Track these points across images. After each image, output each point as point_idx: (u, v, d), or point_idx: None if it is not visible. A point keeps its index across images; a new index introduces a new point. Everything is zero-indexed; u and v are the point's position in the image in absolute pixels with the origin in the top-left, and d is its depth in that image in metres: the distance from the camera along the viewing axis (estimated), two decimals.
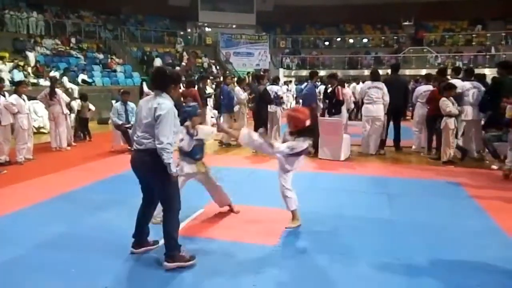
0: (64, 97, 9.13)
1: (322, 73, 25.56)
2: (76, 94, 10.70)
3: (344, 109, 8.52)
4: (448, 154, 7.29)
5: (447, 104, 7.07)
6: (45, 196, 5.41)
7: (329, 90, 8.35)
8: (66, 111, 9.01)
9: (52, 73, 14.17)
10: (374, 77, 8.24)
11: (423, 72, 19.36)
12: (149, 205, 3.68)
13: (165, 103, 3.28)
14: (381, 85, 7.99)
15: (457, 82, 7.73)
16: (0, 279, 3.30)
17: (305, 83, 9.29)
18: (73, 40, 20.12)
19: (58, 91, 8.93)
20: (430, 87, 8.35)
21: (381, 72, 9.02)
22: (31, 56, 15.80)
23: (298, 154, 4.17)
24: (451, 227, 4.40)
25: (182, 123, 4.11)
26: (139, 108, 3.47)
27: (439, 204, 5.19)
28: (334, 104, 8.26)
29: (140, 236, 3.70)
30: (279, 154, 4.22)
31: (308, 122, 4.21)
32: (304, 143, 4.11)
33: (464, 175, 6.56)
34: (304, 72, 24.94)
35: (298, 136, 4.12)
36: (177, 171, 3.46)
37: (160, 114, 3.22)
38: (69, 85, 10.63)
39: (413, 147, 8.60)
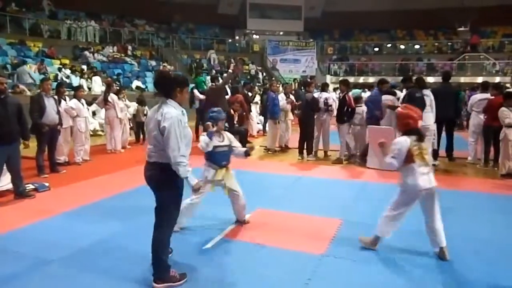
0: (120, 102, 9.54)
1: (371, 79, 25.15)
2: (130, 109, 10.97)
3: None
4: (507, 166, 6.89)
5: (506, 115, 6.70)
6: (100, 196, 5.70)
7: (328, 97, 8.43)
8: (120, 115, 9.42)
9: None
10: (421, 84, 7.95)
11: (479, 79, 18.47)
12: None
13: (169, 112, 3.03)
14: (428, 92, 7.68)
15: None
16: (58, 275, 3.50)
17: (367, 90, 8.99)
18: (128, 47, 21.09)
19: (113, 96, 9.35)
20: (486, 95, 7.96)
21: (433, 79, 8.68)
22: (98, 80, 15.67)
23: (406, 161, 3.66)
24: (509, 244, 4.15)
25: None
26: (148, 118, 3.28)
27: (497, 220, 4.91)
28: (346, 112, 8.10)
29: None
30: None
31: (420, 123, 3.82)
32: (404, 141, 3.64)
33: None
34: (352, 79, 24.54)
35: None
36: (200, 180, 3.35)
37: (164, 126, 3.00)
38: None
39: (469, 158, 8.20)
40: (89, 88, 14.91)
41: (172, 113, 3.04)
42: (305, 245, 4.08)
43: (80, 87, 9.04)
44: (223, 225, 4.54)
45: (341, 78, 10.05)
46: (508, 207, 5.44)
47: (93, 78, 15.53)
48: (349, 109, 8.08)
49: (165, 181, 3.15)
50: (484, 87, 8.64)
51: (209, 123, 4.50)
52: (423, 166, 3.66)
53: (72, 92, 8.64)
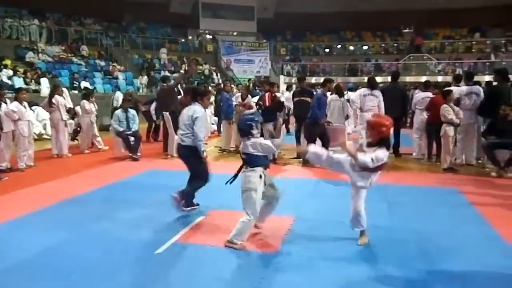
0: (65, 104, 9.19)
1: (322, 80, 25.70)
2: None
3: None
4: (449, 161, 7.30)
5: (448, 112, 7.10)
6: (46, 203, 5.42)
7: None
8: (65, 117, 9.04)
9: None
10: (371, 85, 8.24)
11: (423, 79, 19.43)
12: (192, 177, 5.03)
13: (199, 110, 4.91)
14: (377, 93, 8.00)
15: (453, 88, 7.85)
16: (2, 287, 3.31)
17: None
18: (76, 47, 20.25)
19: (59, 97, 8.95)
20: (428, 94, 8.42)
21: (381, 79, 9.06)
22: (44, 81, 14.94)
23: (376, 169, 3.85)
24: (450, 234, 4.41)
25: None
26: (182, 114, 5.03)
27: (439, 211, 5.20)
28: (264, 112, 8.11)
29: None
30: (358, 167, 3.85)
31: (390, 132, 3.88)
32: (385, 155, 3.79)
33: (464, 182, 6.57)
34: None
35: (379, 147, 3.79)
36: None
37: (196, 117, 4.82)
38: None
39: (414, 154, 8.61)
40: (37, 91, 14.22)
41: (201, 110, 4.94)
42: (258, 244, 4.11)
43: (22, 89, 8.58)
44: (175, 228, 4.47)
45: (265, 79, 10.26)
46: (450, 199, 5.76)
47: (41, 79, 14.79)
48: (266, 108, 8.10)
49: (195, 154, 4.91)
50: (426, 86, 9.13)
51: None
52: None
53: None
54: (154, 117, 10.98)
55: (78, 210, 5.20)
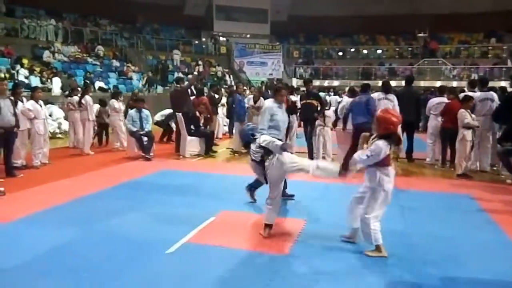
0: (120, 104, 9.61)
1: (335, 83, 25.68)
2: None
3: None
4: (463, 166, 7.20)
5: (465, 116, 7.01)
6: (59, 201, 5.49)
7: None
8: (92, 117, 9.25)
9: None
10: (385, 89, 8.16)
11: (438, 84, 19.25)
12: None
13: (265, 103, 4.98)
14: (392, 97, 7.90)
15: (469, 94, 7.75)
16: (12, 283, 3.35)
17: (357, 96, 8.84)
18: (91, 47, 20.51)
19: (88, 98, 9.18)
20: (443, 99, 8.31)
21: (395, 83, 8.95)
22: (56, 81, 15.31)
23: (380, 164, 3.73)
24: (463, 240, 4.35)
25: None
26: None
27: (451, 217, 5.13)
28: None
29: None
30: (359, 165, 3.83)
31: (399, 128, 3.90)
32: (384, 145, 3.65)
33: (478, 189, 6.47)
34: (317, 82, 24.95)
35: (379, 139, 3.69)
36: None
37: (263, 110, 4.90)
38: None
39: (427, 159, 8.51)
40: (50, 89, 14.46)
41: (267, 104, 4.87)
42: (268, 246, 4.10)
43: (37, 87, 8.74)
44: (186, 228, 4.49)
45: (278, 81, 10.19)
46: (463, 205, 5.68)
47: (53, 79, 15.03)
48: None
49: None
50: (441, 91, 9.04)
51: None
52: (392, 169, 3.83)
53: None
54: (174, 127, 10.97)
55: (90, 209, 5.25)
